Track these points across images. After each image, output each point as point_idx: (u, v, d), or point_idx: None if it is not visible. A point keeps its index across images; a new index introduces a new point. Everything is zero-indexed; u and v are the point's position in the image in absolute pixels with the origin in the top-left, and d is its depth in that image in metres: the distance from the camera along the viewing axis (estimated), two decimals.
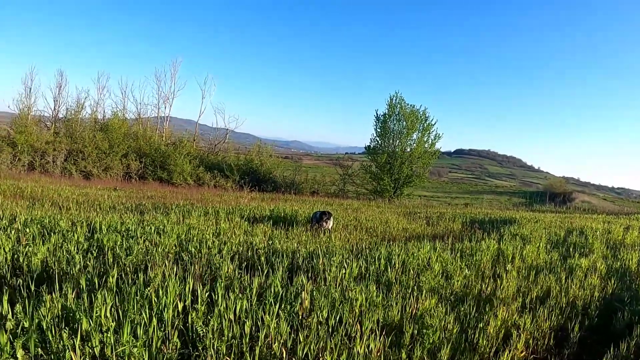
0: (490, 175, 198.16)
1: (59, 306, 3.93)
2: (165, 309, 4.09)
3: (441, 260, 7.52)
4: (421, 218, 17.51)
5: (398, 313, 4.92)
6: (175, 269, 5.49)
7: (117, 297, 4.24)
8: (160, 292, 4.24)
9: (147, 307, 4.06)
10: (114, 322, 3.75)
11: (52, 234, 7.30)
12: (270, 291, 4.82)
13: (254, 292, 4.69)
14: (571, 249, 10.20)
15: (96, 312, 3.73)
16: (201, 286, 4.60)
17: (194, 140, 48.55)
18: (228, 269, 5.65)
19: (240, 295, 4.49)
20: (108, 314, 3.76)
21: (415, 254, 7.55)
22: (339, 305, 4.73)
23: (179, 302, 4.22)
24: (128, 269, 5.87)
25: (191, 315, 4.11)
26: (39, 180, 25.26)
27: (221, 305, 4.21)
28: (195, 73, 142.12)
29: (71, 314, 3.85)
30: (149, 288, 4.44)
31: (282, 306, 4.52)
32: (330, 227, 11.88)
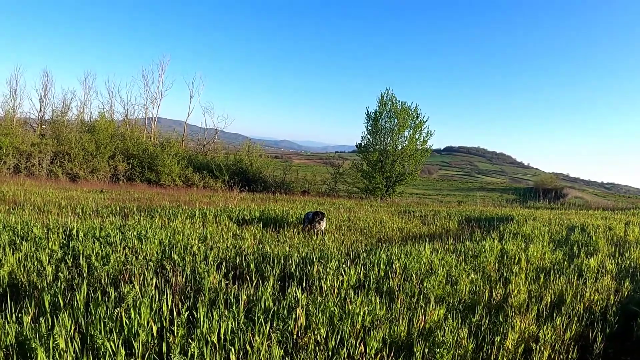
0: (480, 172, 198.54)
1: (13, 332, 3.36)
2: (137, 333, 3.51)
3: (444, 263, 6.99)
4: (416, 217, 17.02)
5: (405, 328, 4.36)
6: (154, 281, 4.93)
7: (84, 318, 3.68)
8: (132, 313, 3.67)
9: (116, 331, 3.50)
10: (75, 353, 3.18)
11: (24, 242, 6.72)
12: (260, 306, 4.24)
13: (242, 309, 4.11)
14: (575, 248, 9.73)
15: (54, 340, 3.17)
16: (181, 302, 4.06)
17: (183, 140, 47.88)
18: (214, 279, 5.09)
19: (225, 312, 3.92)
20: (68, 343, 3.19)
21: (416, 258, 7.00)
22: (338, 322, 4.17)
23: (153, 324, 3.64)
24: (103, 280, 5.31)
25: (167, 339, 3.54)
26: (23, 183, 24.54)
27: (203, 326, 3.63)
28: (183, 72, 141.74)
29: (27, 342, 3.28)
30: (122, 305, 3.88)
31: (274, 324, 3.96)
32: (323, 228, 11.40)
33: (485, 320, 4.87)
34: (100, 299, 4.01)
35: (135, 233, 7.80)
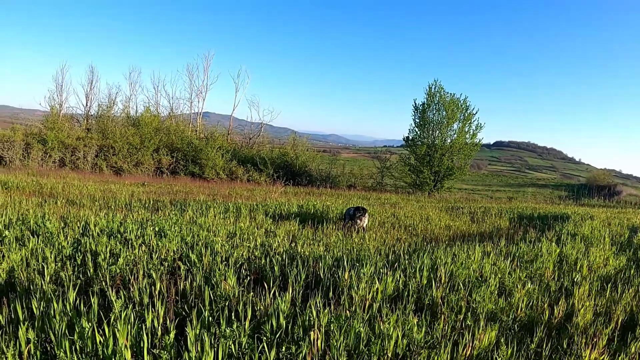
0: (531, 167, 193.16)
1: None
2: (114, 355, 2.81)
3: (496, 270, 6.08)
4: (464, 214, 16.03)
5: (447, 357, 3.49)
6: (159, 285, 4.25)
7: (52, 334, 3.02)
8: (107, 330, 2.96)
9: (87, 351, 2.81)
10: None
11: (33, 237, 6.17)
12: (271, 324, 3.47)
13: (247, 326, 3.34)
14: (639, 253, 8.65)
15: None
16: (184, 314, 3.35)
17: (229, 134, 47.65)
18: (226, 286, 4.36)
19: (227, 331, 3.17)
20: None
21: (464, 263, 6.11)
22: (365, 347, 3.36)
23: (127, 347, 2.91)
24: (106, 283, 4.67)
25: None
26: (65, 176, 24.57)
27: (192, 351, 2.90)
28: (228, 66, 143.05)
29: None
30: (110, 316, 3.20)
31: (283, 349, 3.18)
32: (364, 225, 10.62)
33: (546, 347, 3.98)
34: (82, 308, 3.35)
35: (157, 229, 7.19)
